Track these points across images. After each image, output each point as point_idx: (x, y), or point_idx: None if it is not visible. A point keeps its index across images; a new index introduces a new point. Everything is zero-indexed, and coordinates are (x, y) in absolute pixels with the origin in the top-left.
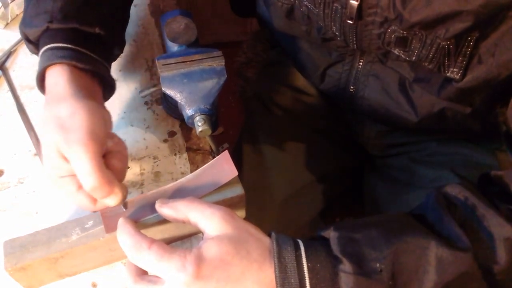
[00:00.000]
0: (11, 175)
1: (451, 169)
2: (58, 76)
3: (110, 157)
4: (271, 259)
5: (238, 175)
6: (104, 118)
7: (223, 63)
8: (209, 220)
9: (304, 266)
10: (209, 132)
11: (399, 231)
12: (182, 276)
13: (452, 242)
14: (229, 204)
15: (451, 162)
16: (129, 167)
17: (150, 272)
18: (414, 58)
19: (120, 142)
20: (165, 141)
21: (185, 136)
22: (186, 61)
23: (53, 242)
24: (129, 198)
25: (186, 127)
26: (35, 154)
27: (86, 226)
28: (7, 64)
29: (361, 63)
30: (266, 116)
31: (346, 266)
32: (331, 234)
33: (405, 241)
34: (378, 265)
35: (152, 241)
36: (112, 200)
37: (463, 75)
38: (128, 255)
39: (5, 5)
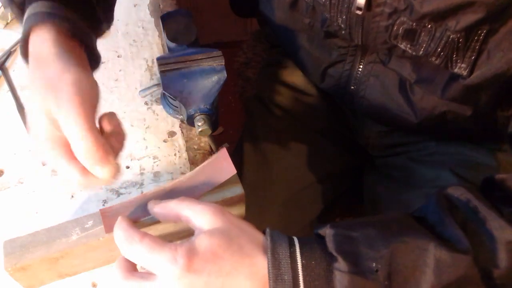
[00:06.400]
0: (11, 175)
1: (451, 169)
2: (45, 37)
3: (107, 136)
4: (264, 254)
5: (239, 175)
6: (93, 85)
7: (223, 63)
8: (200, 216)
9: (298, 263)
10: (209, 132)
11: (397, 231)
12: (172, 269)
13: (452, 244)
14: (229, 204)
15: (451, 162)
16: (128, 167)
17: (142, 265)
18: (421, 52)
19: (118, 124)
20: (165, 141)
21: (185, 136)
22: (186, 61)
23: (53, 242)
24: (128, 198)
25: (186, 127)
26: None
27: (86, 226)
28: (7, 64)
29: (362, 64)
30: (267, 116)
31: (341, 264)
32: (327, 232)
33: (403, 241)
34: (374, 264)
35: (145, 234)
36: (104, 170)
37: (471, 71)
38: (121, 250)
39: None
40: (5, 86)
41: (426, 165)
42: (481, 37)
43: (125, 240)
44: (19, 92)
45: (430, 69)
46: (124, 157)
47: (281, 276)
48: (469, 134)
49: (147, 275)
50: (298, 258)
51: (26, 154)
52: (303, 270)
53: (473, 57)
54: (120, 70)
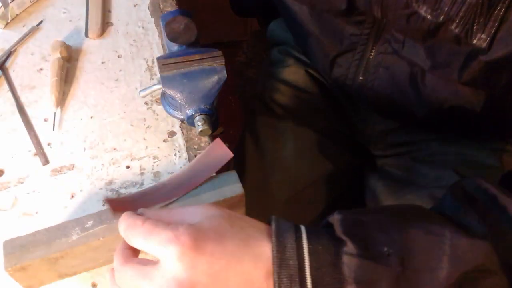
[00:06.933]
0: (11, 175)
1: (453, 169)
2: None
3: None
4: (268, 238)
5: (239, 175)
6: None
7: (223, 63)
8: (194, 212)
9: (305, 248)
10: (209, 132)
11: (411, 218)
12: (174, 248)
13: (470, 230)
14: (229, 204)
15: (453, 162)
16: (129, 167)
17: (145, 250)
18: (441, 18)
19: None
20: (165, 141)
21: (185, 136)
22: (186, 61)
23: (53, 242)
24: (128, 194)
25: (186, 127)
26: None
27: (86, 226)
28: (7, 64)
29: (372, 54)
30: (267, 116)
31: (349, 247)
32: (335, 217)
33: (418, 226)
34: (386, 249)
35: (147, 219)
36: None
37: (490, 44)
38: (125, 238)
39: (5, 5)
40: (5, 86)
41: (429, 165)
42: (504, 5)
43: (128, 226)
44: (19, 92)
45: (445, 53)
46: (124, 157)
47: (286, 261)
48: (475, 132)
49: (149, 261)
50: (304, 243)
51: (26, 154)
52: (309, 256)
53: (493, 29)
54: (120, 70)
